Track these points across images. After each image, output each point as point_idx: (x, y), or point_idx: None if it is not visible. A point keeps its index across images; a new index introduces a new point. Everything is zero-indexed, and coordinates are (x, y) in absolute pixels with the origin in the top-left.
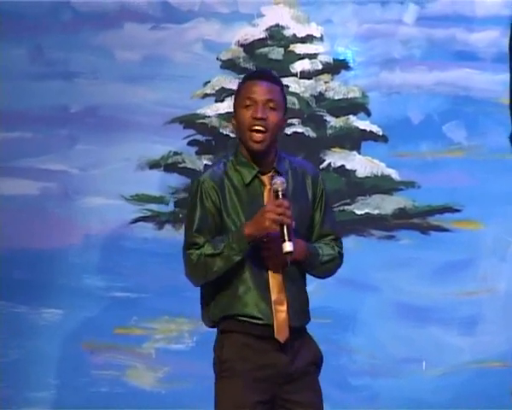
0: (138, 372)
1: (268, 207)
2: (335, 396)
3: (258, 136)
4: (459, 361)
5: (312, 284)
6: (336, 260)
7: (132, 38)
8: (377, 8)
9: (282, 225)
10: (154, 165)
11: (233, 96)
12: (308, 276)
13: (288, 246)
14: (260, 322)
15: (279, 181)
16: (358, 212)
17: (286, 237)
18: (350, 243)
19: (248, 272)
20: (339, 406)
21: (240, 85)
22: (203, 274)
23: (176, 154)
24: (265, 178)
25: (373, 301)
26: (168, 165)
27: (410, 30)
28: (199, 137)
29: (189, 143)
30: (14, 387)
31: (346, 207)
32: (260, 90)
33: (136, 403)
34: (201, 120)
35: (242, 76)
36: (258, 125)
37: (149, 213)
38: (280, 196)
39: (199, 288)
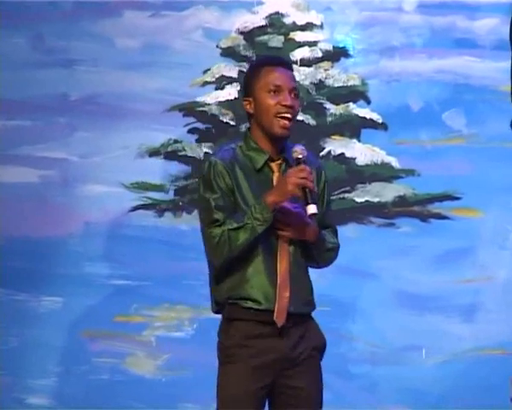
0: (138, 360)
1: (290, 172)
2: (335, 384)
3: (286, 122)
4: (459, 349)
5: (312, 273)
6: (337, 251)
7: (132, 25)
8: None
9: (304, 190)
10: (153, 153)
11: (232, 84)
12: None
13: (312, 208)
14: (262, 307)
15: (299, 149)
16: (358, 200)
17: (309, 201)
18: (350, 230)
19: (260, 255)
20: (338, 393)
21: (257, 69)
22: (227, 250)
23: (176, 142)
24: (274, 166)
25: (373, 289)
26: (168, 153)
27: (409, 17)
28: (199, 125)
29: (189, 131)
30: (14, 374)
31: (345, 195)
32: (287, 78)
33: (136, 391)
34: (201, 108)
35: (242, 64)
36: (287, 113)
37: (149, 201)
38: (301, 163)
39: (199, 276)
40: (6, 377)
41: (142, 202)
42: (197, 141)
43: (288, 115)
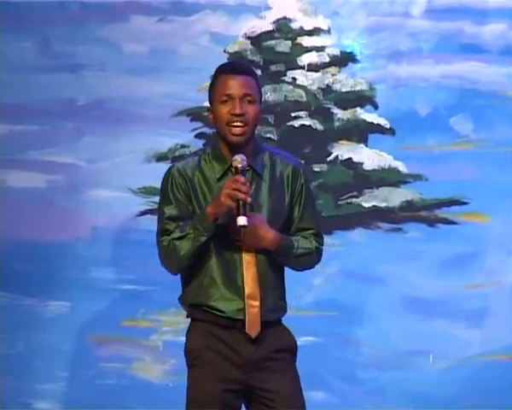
0: (145, 365)
1: (226, 183)
2: (342, 389)
3: (237, 129)
4: (466, 354)
5: (319, 277)
6: (313, 255)
7: (139, 30)
8: (384, 0)
9: (238, 201)
10: (161, 157)
11: None
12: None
13: (241, 220)
14: (223, 315)
15: (239, 158)
16: (366, 204)
17: (240, 212)
18: (357, 235)
19: (215, 265)
20: (345, 398)
21: (214, 79)
22: (173, 259)
23: (183, 146)
24: None
25: (380, 294)
26: (175, 157)
27: (417, 23)
28: (206, 130)
29: (197, 136)
30: (21, 379)
31: (353, 200)
32: (237, 85)
33: (143, 396)
34: None
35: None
36: (236, 122)
37: (156, 206)
38: (239, 173)
39: None
40: (13, 381)
41: (149, 207)
42: (204, 146)
43: (238, 124)
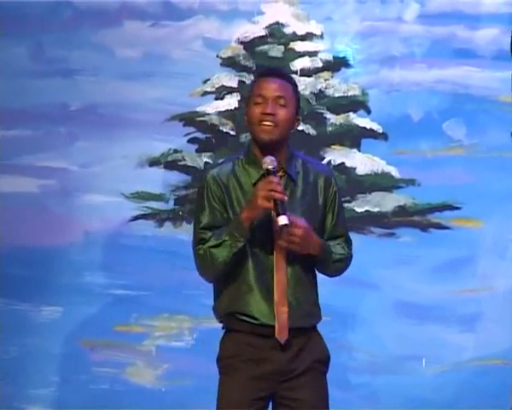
0: (138, 370)
1: (259, 185)
2: (335, 394)
3: (267, 127)
4: (459, 359)
5: None
6: (347, 261)
7: (132, 35)
8: (377, 5)
9: (274, 202)
10: (153, 162)
11: (233, 94)
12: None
13: (282, 220)
14: (258, 322)
15: (268, 160)
16: (358, 209)
17: (280, 211)
18: None
19: (252, 271)
20: (339, 404)
21: (252, 83)
22: (211, 267)
23: (176, 151)
24: None
25: (373, 299)
26: (168, 162)
27: (410, 27)
28: (199, 135)
29: (189, 141)
30: (14, 384)
31: (346, 205)
32: (271, 87)
33: (136, 401)
34: (201, 118)
35: (242, 74)
36: (267, 121)
37: (149, 211)
38: (270, 174)
39: (199, 285)
40: (6, 386)
41: (142, 212)
42: (197, 151)
43: (268, 123)
